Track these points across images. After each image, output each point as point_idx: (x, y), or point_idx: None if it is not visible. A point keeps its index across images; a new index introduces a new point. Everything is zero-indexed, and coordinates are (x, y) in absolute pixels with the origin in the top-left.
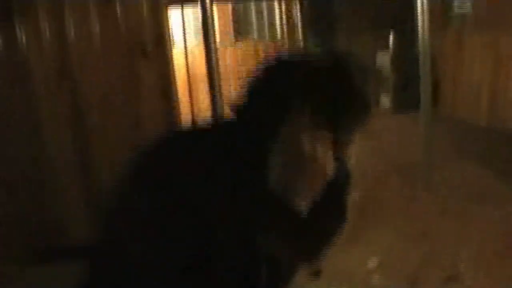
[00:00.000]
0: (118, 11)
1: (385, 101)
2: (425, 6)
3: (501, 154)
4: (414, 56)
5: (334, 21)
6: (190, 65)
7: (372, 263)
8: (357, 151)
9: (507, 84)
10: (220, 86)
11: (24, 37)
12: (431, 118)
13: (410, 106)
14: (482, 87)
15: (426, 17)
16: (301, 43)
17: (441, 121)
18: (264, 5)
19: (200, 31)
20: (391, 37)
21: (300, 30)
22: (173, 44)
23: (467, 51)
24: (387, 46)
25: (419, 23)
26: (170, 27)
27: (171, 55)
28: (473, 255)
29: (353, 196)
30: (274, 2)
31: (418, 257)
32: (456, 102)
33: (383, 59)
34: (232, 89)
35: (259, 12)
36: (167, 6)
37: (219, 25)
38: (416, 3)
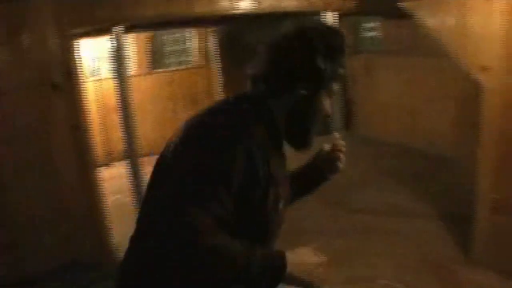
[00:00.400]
0: (26, 44)
1: None
2: None
3: (412, 170)
4: None
5: (248, 48)
6: (104, 96)
7: None
8: None
9: (413, 104)
10: (133, 116)
11: None
12: (347, 139)
13: (326, 129)
14: (394, 107)
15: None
16: (218, 71)
17: (357, 140)
18: (179, 34)
19: (114, 61)
20: None
21: (215, 58)
22: (86, 75)
23: (377, 72)
24: None
25: None
26: (80, 58)
27: (82, 87)
28: (392, 271)
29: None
30: (189, 31)
31: (342, 276)
32: (370, 121)
33: None
34: (148, 119)
35: (175, 42)
36: (77, 37)
37: (134, 55)
38: None
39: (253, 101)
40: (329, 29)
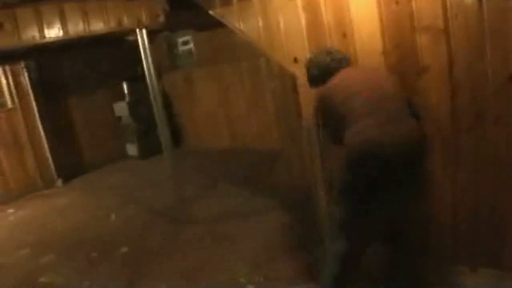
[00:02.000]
0: None
1: (132, 149)
2: (148, 52)
3: (246, 172)
4: (149, 103)
5: (67, 81)
6: None
7: None
8: None
9: (236, 107)
10: None
11: None
12: (179, 154)
13: (155, 149)
14: (218, 114)
15: (151, 64)
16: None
17: (188, 154)
18: None
19: None
20: (125, 88)
21: (31, 96)
22: None
23: (196, 84)
24: (123, 97)
25: (146, 71)
26: None
27: None
28: (249, 269)
29: (122, 251)
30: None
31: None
32: (199, 132)
33: (122, 109)
34: None
35: None
36: None
37: None
38: (141, 51)
39: None
40: None
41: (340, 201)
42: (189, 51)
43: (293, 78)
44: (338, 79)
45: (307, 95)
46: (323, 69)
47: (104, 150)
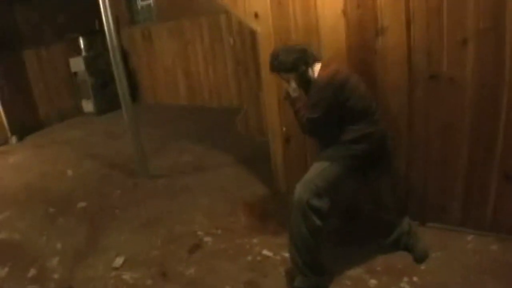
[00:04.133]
0: None
1: (88, 105)
2: (107, 5)
3: (205, 127)
4: (106, 57)
5: (21, 34)
6: None
7: (117, 262)
8: None
9: (194, 64)
10: None
11: None
12: (137, 110)
13: (112, 105)
14: (176, 70)
15: (110, 18)
16: None
17: (145, 109)
18: None
19: None
20: (81, 43)
21: None
22: None
23: (155, 40)
24: (79, 52)
25: (105, 25)
26: None
27: None
28: (209, 221)
29: (80, 205)
30: None
31: (158, 239)
32: (157, 89)
33: (78, 65)
34: None
35: None
36: None
37: None
38: (100, 6)
39: None
40: None
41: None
42: (148, 6)
43: (252, 33)
44: (344, 71)
45: (267, 50)
46: (311, 61)
47: (60, 106)
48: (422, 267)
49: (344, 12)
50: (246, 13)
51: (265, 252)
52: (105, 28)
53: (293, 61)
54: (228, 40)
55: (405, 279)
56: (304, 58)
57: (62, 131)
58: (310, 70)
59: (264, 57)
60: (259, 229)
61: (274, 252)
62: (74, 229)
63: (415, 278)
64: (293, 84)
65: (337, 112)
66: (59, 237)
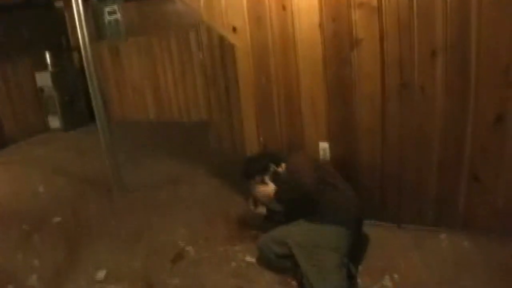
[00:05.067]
0: None
1: (55, 121)
2: (83, 19)
3: (176, 142)
4: (74, 72)
5: None
6: None
7: (100, 276)
8: None
9: (163, 79)
10: None
11: None
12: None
13: (80, 121)
14: (145, 86)
15: (85, 33)
16: None
17: (115, 125)
18: None
19: None
20: (47, 58)
21: None
22: None
23: (123, 56)
24: (45, 67)
25: (80, 39)
26: None
27: None
28: (189, 233)
29: (55, 221)
30: None
31: (139, 251)
32: (125, 105)
33: (44, 80)
34: None
35: None
36: None
37: None
38: (72, 19)
39: None
40: None
41: None
42: (116, 21)
43: (229, 48)
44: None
45: (245, 63)
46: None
47: (26, 123)
48: (402, 265)
49: (320, 25)
50: (225, 27)
51: (248, 258)
52: (80, 42)
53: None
54: (197, 55)
55: (386, 276)
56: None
57: (29, 148)
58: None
59: (242, 70)
60: (239, 237)
61: (256, 258)
62: (51, 245)
63: (395, 276)
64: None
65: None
66: (36, 253)
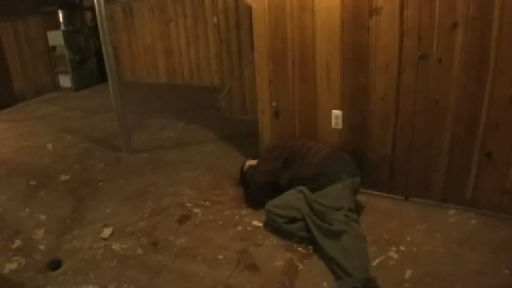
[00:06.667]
0: None
1: (66, 80)
2: None
3: (187, 104)
4: (86, 32)
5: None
6: None
7: (105, 233)
8: None
9: (176, 42)
10: None
11: None
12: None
13: (90, 81)
14: (157, 48)
15: None
16: None
17: (125, 86)
18: None
19: None
20: (60, 16)
21: None
22: None
23: (136, 17)
24: (57, 26)
25: None
26: None
27: None
28: (196, 194)
29: (63, 178)
30: None
31: (146, 211)
32: (136, 66)
33: (56, 38)
34: None
35: None
36: None
37: None
38: None
39: None
40: None
41: None
42: None
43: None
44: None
45: (261, 26)
46: None
47: (36, 81)
48: (408, 238)
49: None
50: None
51: (255, 222)
52: (95, 0)
53: None
54: (212, 19)
55: (393, 248)
56: None
57: (39, 106)
58: None
59: (258, 33)
60: (243, 201)
61: (264, 223)
62: (58, 202)
63: (402, 247)
64: None
65: None
66: (43, 209)
